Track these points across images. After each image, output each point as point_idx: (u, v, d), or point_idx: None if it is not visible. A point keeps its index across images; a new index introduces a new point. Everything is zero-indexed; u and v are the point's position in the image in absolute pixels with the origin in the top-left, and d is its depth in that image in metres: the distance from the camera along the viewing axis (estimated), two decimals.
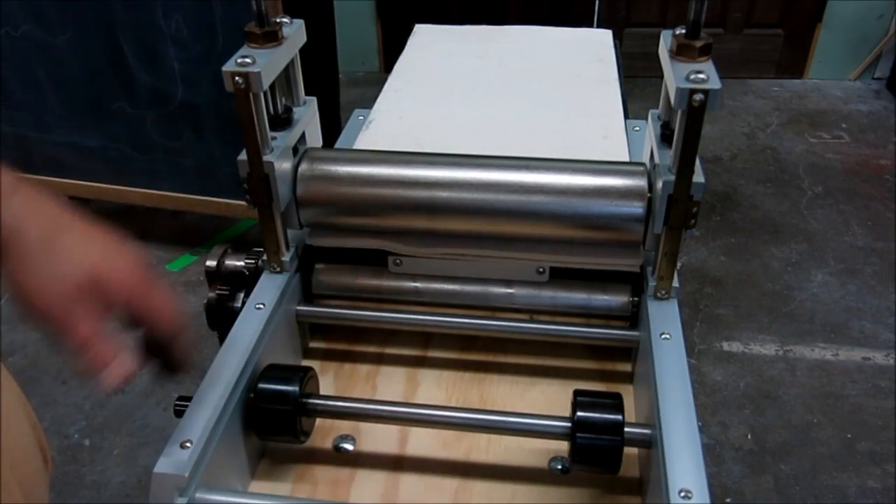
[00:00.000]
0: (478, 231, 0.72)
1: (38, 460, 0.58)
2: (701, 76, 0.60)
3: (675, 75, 0.61)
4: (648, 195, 0.68)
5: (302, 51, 0.75)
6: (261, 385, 0.64)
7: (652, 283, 0.71)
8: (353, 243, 0.77)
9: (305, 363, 0.78)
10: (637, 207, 0.68)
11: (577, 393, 0.63)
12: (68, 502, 1.48)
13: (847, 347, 1.81)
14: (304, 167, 0.74)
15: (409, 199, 0.72)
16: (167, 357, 0.54)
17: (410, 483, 0.65)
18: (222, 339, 0.68)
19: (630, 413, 0.68)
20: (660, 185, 0.65)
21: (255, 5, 0.67)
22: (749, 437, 1.59)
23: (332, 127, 1.45)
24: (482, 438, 0.69)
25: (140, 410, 1.66)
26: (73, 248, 0.50)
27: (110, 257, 0.52)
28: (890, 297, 1.95)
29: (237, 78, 0.64)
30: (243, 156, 0.69)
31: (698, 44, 0.62)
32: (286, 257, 0.75)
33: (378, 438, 0.69)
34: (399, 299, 0.80)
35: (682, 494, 0.52)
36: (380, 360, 0.78)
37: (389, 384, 0.75)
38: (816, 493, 1.48)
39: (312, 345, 0.81)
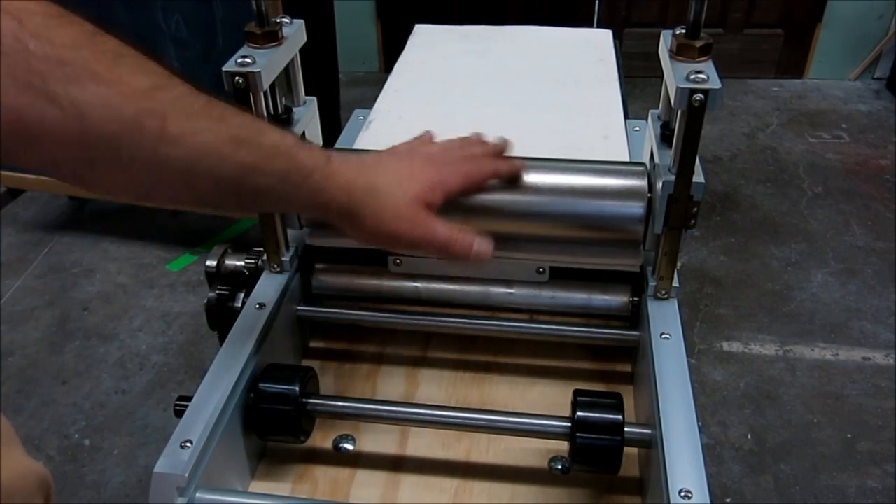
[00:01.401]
0: (477, 231, 0.72)
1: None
2: (701, 76, 0.60)
3: (675, 75, 0.61)
4: (648, 195, 0.68)
5: (302, 51, 0.75)
6: (261, 385, 0.64)
7: (652, 283, 0.71)
8: (353, 243, 0.76)
9: (305, 363, 0.78)
10: (637, 207, 0.68)
11: (577, 393, 0.63)
12: (68, 502, 1.48)
13: (847, 347, 1.81)
14: None
15: None
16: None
17: (410, 483, 0.65)
18: (222, 339, 0.68)
19: (630, 413, 0.68)
20: (660, 185, 0.65)
21: (255, 5, 0.67)
22: (749, 436, 1.59)
23: (332, 127, 1.44)
24: (482, 438, 0.69)
25: (140, 410, 1.66)
26: (395, 180, 0.55)
27: (426, 165, 0.58)
28: (890, 297, 1.95)
29: (237, 78, 0.64)
30: None
31: (698, 44, 0.62)
32: (286, 257, 0.75)
33: (378, 438, 0.69)
34: (399, 299, 0.80)
35: (682, 494, 0.52)
36: (380, 360, 0.78)
37: (389, 384, 0.75)
38: (816, 493, 1.48)
39: (312, 345, 0.81)
